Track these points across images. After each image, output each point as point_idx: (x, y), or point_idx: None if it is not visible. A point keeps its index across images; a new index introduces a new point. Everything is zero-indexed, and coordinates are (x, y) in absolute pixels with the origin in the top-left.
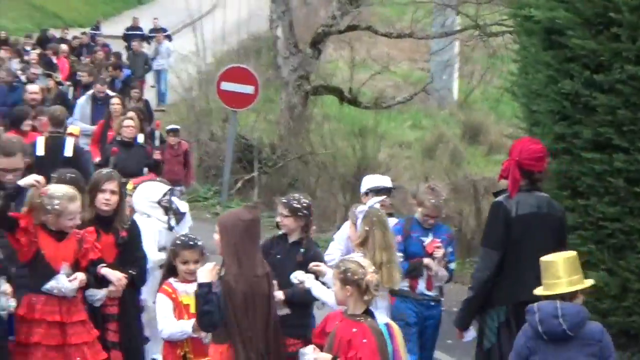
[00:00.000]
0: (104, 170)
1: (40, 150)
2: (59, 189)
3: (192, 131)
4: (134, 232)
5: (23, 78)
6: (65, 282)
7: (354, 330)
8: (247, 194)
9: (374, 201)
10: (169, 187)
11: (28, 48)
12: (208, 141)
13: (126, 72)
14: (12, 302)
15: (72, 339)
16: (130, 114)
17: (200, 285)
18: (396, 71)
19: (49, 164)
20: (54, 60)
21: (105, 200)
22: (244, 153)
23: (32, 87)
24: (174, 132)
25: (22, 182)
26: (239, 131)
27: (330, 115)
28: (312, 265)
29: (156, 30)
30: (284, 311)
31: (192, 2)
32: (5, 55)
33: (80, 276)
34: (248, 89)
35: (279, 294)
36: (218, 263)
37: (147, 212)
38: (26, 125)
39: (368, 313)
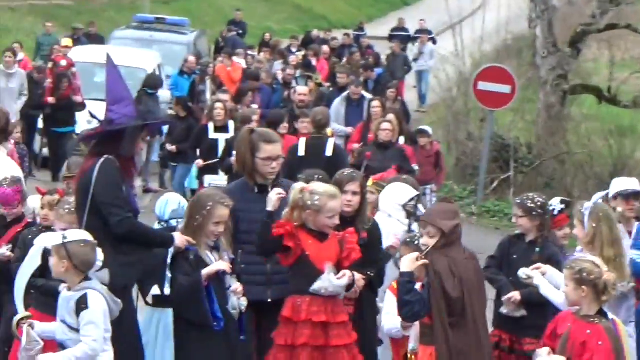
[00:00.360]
0: (346, 171)
1: (302, 151)
2: (320, 186)
3: (450, 131)
4: (375, 234)
5: (280, 79)
6: (334, 279)
7: (588, 332)
8: (503, 193)
9: (598, 197)
10: (416, 192)
11: (293, 49)
12: (465, 141)
13: (377, 71)
14: (244, 301)
15: (334, 341)
16: (390, 116)
17: (402, 275)
18: None
19: (310, 165)
20: (313, 62)
21: (347, 201)
22: (500, 153)
23: (301, 89)
24: (422, 133)
25: (270, 208)
26: (496, 131)
27: (588, 115)
28: (532, 267)
29: (421, 31)
30: (521, 312)
31: (453, 4)
32: (264, 57)
33: (349, 273)
34: (505, 89)
35: (516, 295)
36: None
37: (390, 212)
38: (282, 128)
39: (601, 313)
